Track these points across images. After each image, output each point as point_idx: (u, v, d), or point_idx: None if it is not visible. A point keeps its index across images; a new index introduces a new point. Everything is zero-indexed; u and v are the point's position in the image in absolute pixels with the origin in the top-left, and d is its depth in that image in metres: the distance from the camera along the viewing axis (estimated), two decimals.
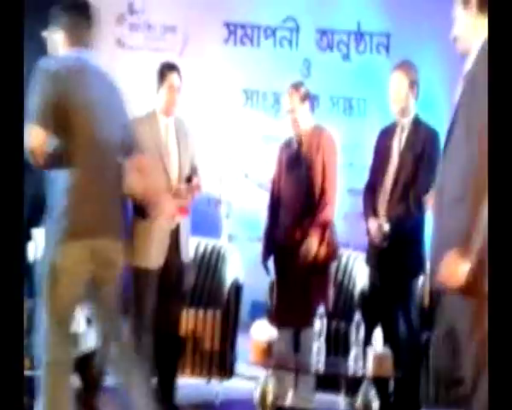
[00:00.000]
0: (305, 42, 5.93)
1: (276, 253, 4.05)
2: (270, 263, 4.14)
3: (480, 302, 2.12)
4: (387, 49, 5.83)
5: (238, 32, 5.98)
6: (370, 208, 3.83)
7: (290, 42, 5.95)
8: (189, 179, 3.89)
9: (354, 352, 3.21)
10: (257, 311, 4.54)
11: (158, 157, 3.77)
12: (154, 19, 6.01)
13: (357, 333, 3.21)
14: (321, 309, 3.35)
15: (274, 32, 5.95)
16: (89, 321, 3.13)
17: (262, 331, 3.37)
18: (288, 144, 4.14)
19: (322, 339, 3.31)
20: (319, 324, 3.33)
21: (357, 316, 3.24)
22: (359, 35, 5.88)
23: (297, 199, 3.95)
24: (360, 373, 3.14)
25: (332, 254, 3.97)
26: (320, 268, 3.86)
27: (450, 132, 2.37)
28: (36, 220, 3.61)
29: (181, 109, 4.07)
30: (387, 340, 3.19)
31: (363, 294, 4.19)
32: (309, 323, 3.42)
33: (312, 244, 3.81)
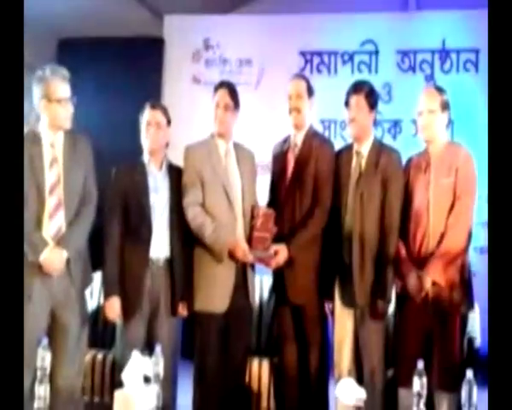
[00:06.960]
0: (385, 65, 5.24)
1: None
2: None
3: None
4: (476, 66, 4.91)
5: (314, 60, 5.37)
6: None
7: (369, 66, 5.28)
8: (252, 216, 3.02)
9: None
10: None
11: (221, 189, 2.99)
12: (230, 53, 5.50)
13: (469, 396, 2.27)
14: (420, 364, 2.39)
15: (352, 57, 5.31)
16: (146, 380, 2.36)
17: (349, 393, 2.49)
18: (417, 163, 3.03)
19: (422, 405, 2.34)
20: (418, 383, 2.37)
21: (469, 374, 2.29)
22: (444, 53, 5.01)
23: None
24: None
25: (465, 301, 2.90)
26: (446, 320, 2.86)
27: None
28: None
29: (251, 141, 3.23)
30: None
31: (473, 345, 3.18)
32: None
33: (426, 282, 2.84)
